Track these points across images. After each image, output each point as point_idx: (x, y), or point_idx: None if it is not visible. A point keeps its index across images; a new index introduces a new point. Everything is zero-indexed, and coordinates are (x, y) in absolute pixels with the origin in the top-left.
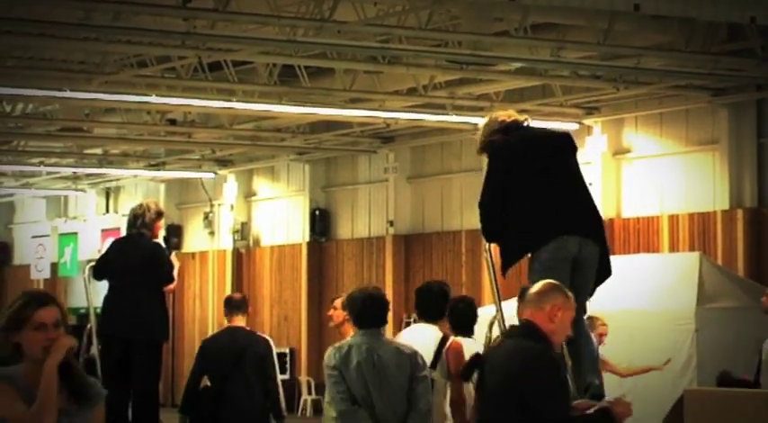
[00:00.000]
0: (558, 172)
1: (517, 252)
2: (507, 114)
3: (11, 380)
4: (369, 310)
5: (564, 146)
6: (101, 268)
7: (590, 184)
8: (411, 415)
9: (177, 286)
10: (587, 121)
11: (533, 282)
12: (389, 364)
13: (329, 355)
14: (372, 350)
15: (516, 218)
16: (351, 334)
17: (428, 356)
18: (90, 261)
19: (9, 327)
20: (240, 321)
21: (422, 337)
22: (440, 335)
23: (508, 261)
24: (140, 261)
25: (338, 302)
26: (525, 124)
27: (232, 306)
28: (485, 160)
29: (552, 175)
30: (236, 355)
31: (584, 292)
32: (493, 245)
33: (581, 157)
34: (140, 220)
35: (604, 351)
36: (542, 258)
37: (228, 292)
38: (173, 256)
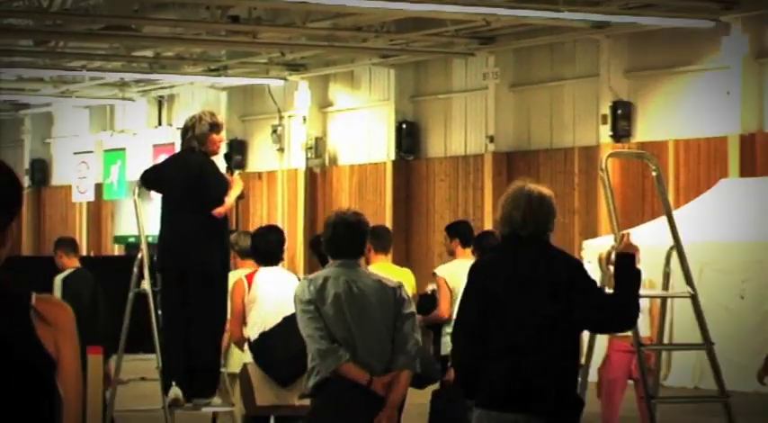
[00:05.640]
0: None
1: None
2: None
3: None
4: (344, 238)
5: None
6: (150, 178)
7: (728, 92)
8: (398, 358)
9: (243, 210)
10: (725, 18)
11: None
12: (370, 299)
13: (302, 288)
14: (351, 282)
15: None
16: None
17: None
18: None
19: None
20: None
21: (288, 279)
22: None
23: None
24: (185, 181)
25: None
26: None
27: None
28: (604, 71)
29: None
30: None
31: None
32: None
33: (716, 60)
34: (190, 133)
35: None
36: None
37: (301, 217)
38: (235, 176)
